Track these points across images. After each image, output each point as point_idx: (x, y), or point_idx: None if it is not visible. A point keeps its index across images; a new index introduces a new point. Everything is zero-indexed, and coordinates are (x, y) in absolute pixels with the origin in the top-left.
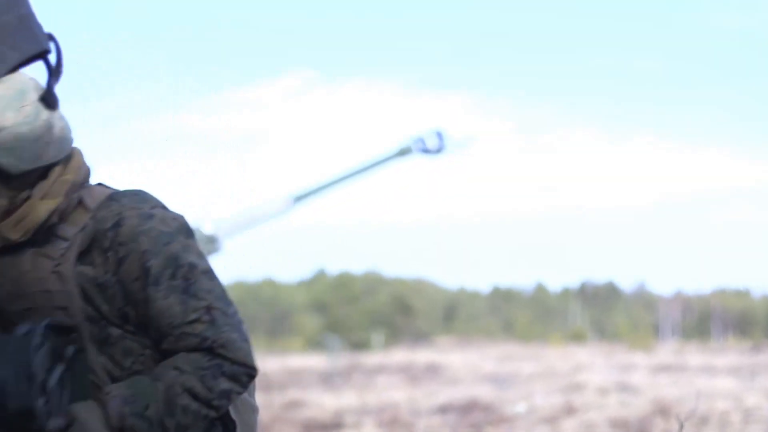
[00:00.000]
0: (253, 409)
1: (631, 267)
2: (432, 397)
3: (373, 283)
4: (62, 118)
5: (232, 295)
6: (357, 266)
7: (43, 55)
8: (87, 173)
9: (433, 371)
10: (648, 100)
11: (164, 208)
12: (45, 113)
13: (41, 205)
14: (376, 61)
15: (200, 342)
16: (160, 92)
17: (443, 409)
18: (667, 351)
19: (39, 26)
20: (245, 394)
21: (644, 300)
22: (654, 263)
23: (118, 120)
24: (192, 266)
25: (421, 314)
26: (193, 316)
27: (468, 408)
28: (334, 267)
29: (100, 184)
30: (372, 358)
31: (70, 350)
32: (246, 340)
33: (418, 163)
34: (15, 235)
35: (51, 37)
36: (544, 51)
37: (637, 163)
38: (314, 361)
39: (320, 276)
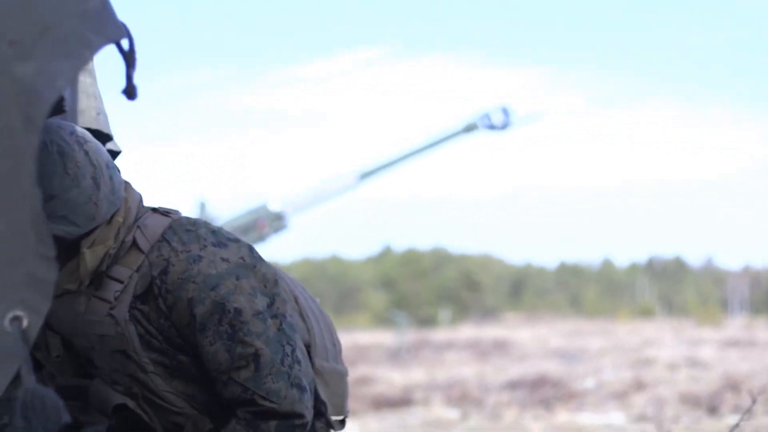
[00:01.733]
0: (342, 375)
1: (698, 241)
2: (500, 373)
3: (439, 259)
4: (109, 167)
5: (298, 273)
6: (423, 242)
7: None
8: (137, 210)
9: (501, 347)
10: (724, 70)
11: (218, 245)
12: (91, 168)
13: (90, 254)
14: (448, 36)
15: (243, 391)
16: (229, 68)
17: (512, 385)
18: (735, 326)
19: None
20: (331, 363)
21: (712, 275)
22: (722, 237)
23: (187, 96)
24: (238, 311)
25: (488, 290)
26: (238, 363)
27: (537, 384)
28: (401, 243)
29: (156, 210)
30: (439, 335)
31: None
32: (296, 385)
33: (485, 138)
34: (71, 286)
35: (123, 26)
36: (613, 25)
37: (709, 136)
38: (382, 338)
39: (387, 252)
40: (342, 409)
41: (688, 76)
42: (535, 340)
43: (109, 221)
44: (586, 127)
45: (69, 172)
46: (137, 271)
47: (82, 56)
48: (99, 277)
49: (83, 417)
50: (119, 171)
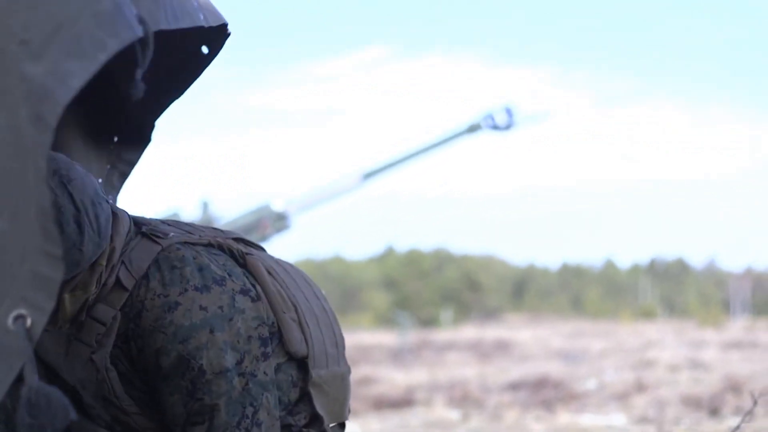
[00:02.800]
0: (343, 377)
1: (701, 243)
2: (502, 374)
3: (442, 259)
4: (94, 204)
5: None
6: (426, 242)
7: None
8: (124, 242)
9: (502, 348)
10: (727, 69)
11: (201, 288)
12: (73, 211)
13: (70, 300)
14: (453, 35)
15: None
16: (231, 68)
17: (514, 386)
18: (737, 328)
19: (131, 9)
20: (332, 367)
21: (714, 276)
22: (724, 239)
23: (188, 96)
24: (202, 370)
25: (490, 291)
26: (194, 419)
27: (538, 384)
28: (403, 243)
29: (144, 235)
30: (441, 335)
31: None
32: None
33: (488, 138)
34: (49, 327)
35: (141, 20)
36: (617, 25)
37: (713, 136)
38: (384, 338)
39: (389, 252)
40: (341, 415)
41: (692, 76)
42: (536, 341)
43: (92, 265)
44: (589, 127)
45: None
46: (121, 309)
47: (95, 58)
48: (79, 320)
49: None
50: (107, 201)
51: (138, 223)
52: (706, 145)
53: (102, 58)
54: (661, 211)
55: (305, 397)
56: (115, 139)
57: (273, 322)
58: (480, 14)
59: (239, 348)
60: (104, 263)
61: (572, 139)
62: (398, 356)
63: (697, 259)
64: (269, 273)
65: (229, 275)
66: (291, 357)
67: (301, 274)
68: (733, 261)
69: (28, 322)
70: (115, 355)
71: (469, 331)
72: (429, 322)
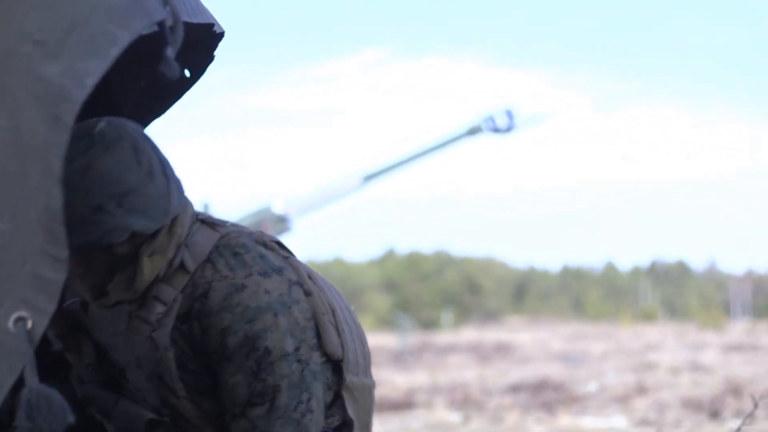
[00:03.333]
0: (370, 389)
1: (701, 245)
2: (503, 376)
3: (442, 262)
4: (166, 160)
5: None
6: (426, 244)
7: (160, 24)
8: (192, 220)
9: (503, 350)
10: (727, 69)
11: (263, 274)
12: (159, 163)
13: (150, 264)
14: (453, 37)
15: (250, 428)
16: (232, 69)
17: (514, 388)
18: (738, 330)
19: None
20: (361, 377)
21: (715, 279)
22: (724, 241)
23: (189, 96)
24: (267, 351)
25: (490, 293)
26: (254, 401)
27: (539, 387)
28: (404, 245)
29: (204, 222)
30: (442, 337)
31: None
32: None
33: (488, 140)
34: (126, 296)
35: (166, 2)
36: (617, 26)
37: (713, 136)
38: (385, 340)
39: (390, 255)
40: (367, 425)
41: (692, 76)
42: (537, 343)
43: (170, 229)
44: (589, 128)
45: (143, 167)
46: (182, 291)
47: (108, 54)
48: (143, 297)
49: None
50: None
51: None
52: (706, 146)
53: (114, 52)
54: (662, 213)
55: (338, 400)
56: None
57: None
58: (479, 15)
59: (296, 336)
60: (180, 231)
61: (572, 140)
62: (399, 358)
63: (697, 262)
64: (309, 276)
65: (284, 267)
66: (328, 359)
67: (333, 286)
68: (734, 263)
69: (29, 324)
70: (174, 337)
71: (469, 334)
72: (429, 324)
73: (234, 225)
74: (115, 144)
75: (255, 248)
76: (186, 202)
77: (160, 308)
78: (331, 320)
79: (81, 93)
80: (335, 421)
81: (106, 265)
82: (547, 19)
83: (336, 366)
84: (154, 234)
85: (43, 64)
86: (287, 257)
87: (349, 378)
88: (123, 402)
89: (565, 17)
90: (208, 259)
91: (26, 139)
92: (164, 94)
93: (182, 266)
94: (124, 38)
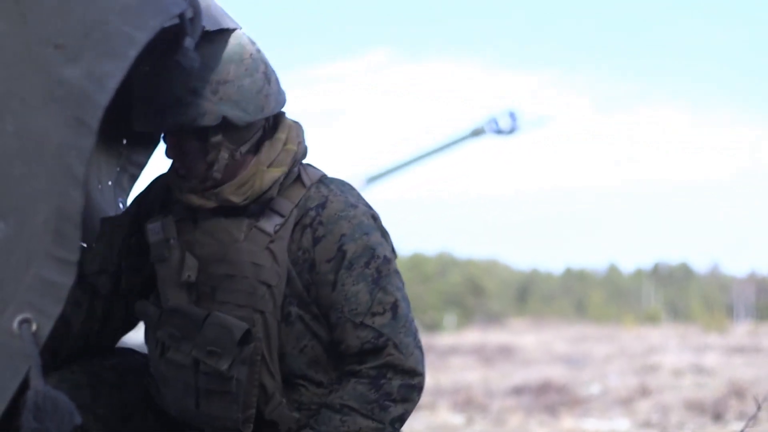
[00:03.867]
0: None
1: (704, 247)
2: (506, 379)
3: (445, 263)
4: (274, 71)
5: None
6: (429, 246)
7: (179, 16)
8: (305, 149)
9: (506, 352)
10: (728, 70)
11: (367, 206)
12: (263, 65)
13: (267, 174)
14: (455, 39)
15: (376, 337)
16: None
17: (517, 390)
18: (741, 332)
19: None
20: None
21: (718, 281)
22: (728, 243)
23: None
24: (387, 260)
25: (493, 295)
26: (377, 309)
27: (542, 389)
28: (407, 247)
29: (310, 165)
30: (445, 339)
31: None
32: (419, 347)
33: (492, 142)
34: (236, 199)
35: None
36: (619, 28)
37: (715, 137)
38: None
39: None
40: None
41: (693, 78)
42: (540, 345)
43: (287, 143)
44: (591, 130)
45: (245, 62)
46: (297, 205)
47: (127, 56)
48: (262, 205)
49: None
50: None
51: None
52: (707, 147)
53: (133, 53)
54: (665, 214)
55: None
56: (124, 141)
57: None
58: (482, 18)
59: (396, 257)
60: (294, 148)
61: (573, 141)
62: None
63: (700, 264)
64: None
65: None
66: None
67: None
68: (737, 265)
69: (34, 326)
70: (289, 250)
71: (472, 336)
72: (432, 326)
73: None
74: (220, 36)
75: (351, 191)
76: (297, 131)
77: (278, 220)
78: None
79: (104, 97)
80: None
81: (200, 153)
82: (548, 20)
83: None
84: (268, 138)
85: (65, 67)
86: None
87: None
88: (215, 315)
89: (566, 19)
90: (322, 180)
91: (35, 142)
92: None
93: (299, 180)
94: (141, 39)
